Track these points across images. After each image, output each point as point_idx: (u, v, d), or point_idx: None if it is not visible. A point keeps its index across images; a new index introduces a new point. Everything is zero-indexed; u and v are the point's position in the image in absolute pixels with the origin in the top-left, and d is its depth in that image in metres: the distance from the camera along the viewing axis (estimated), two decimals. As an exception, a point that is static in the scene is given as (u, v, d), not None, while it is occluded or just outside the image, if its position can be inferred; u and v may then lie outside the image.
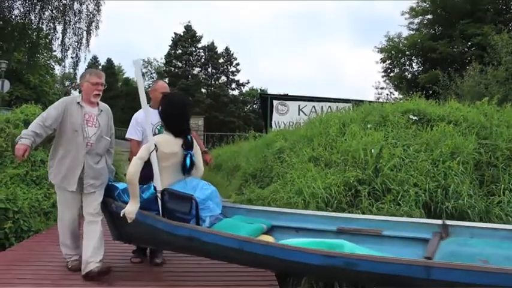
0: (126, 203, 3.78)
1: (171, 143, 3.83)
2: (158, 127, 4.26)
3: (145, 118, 4.02)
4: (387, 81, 27.35)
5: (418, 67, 26.04)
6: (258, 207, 4.44)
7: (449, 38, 22.98)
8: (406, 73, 26.45)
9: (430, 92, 18.44)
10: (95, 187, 4.01)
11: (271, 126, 18.58)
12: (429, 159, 5.34)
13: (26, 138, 3.66)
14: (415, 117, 6.93)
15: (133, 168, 3.64)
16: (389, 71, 27.22)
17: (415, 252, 3.44)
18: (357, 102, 10.36)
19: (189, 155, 3.90)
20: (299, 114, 18.39)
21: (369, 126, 6.58)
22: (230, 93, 44.79)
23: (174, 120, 3.91)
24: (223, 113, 41.02)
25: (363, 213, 4.36)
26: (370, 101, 10.53)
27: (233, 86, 45.31)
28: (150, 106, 4.28)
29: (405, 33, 26.15)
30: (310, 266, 3.03)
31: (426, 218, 4.48)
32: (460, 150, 5.56)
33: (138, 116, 4.38)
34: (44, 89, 30.56)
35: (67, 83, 46.96)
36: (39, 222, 5.88)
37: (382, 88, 27.14)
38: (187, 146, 3.92)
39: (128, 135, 4.40)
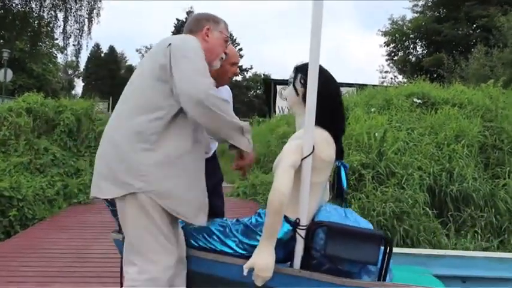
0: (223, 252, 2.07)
1: (330, 145, 2.16)
2: None
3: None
4: (391, 64, 27.17)
5: (423, 50, 25.82)
6: (403, 250, 3.23)
7: (454, 20, 22.72)
8: (410, 56, 26.26)
9: (435, 75, 18.31)
10: None
11: (274, 111, 18.51)
12: (433, 143, 5.31)
13: None
14: (419, 101, 6.87)
15: (286, 184, 1.89)
16: (393, 54, 27.00)
17: None
18: (361, 86, 10.29)
19: (343, 168, 2.34)
20: (303, 99, 18.15)
21: (372, 110, 6.52)
22: (233, 79, 44.60)
23: (336, 109, 2.26)
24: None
25: (367, 197, 4.34)
26: (374, 85, 10.45)
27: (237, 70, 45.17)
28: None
29: (409, 15, 25.88)
30: None
31: (430, 201, 4.48)
32: (465, 133, 5.52)
33: None
34: (47, 78, 30.51)
35: (70, 71, 46.93)
36: (43, 210, 5.89)
37: (386, 72, 26.99)
38: (341, 154, 2.34)
39: None
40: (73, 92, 43.07)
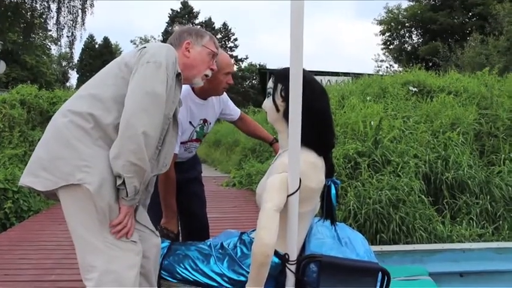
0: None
1: (318, 169, 1.94)
2: (198, 128, 2.66)
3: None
4: (387, 53, 27.14)
5: (418, 39, 25.80)
6: (399, 248, 3.18)
7: (449, 9, 22.69)
8: (406, 45, 26.24)
9: (430, 63, 18.31)
10: None
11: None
12: (429, 131, 5.31)
13: None
14: (415, 89, 6.88)
15: (271, 234, 1.72)
16: (388, 43, 26.98)
17: None
18: (357, 76, 10.26)
19: (334, 186, 2.03)
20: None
21: (368, 98, 6.51)
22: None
23: (325, 125, 1.99)
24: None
25: (362, 185, 4.34)
26: (369, 74, 10.43)
27: (232, 62, 44.99)
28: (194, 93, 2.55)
29: (405, 4, 25.92)
30: None
31: (426, 188, 4.48)
32: (460, 120, 5.53)
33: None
34: (41, 70, 30.31)
35: (64, 63, 46.60)
36: (39, 201, 5.87)
37: (381, 61, 26.97)
38: (330, 169, 2.05)
39: None
40: (67, 84, 42.88)
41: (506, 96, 6.28)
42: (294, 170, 1.75)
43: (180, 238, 2.73)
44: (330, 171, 2.02)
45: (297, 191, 1.77)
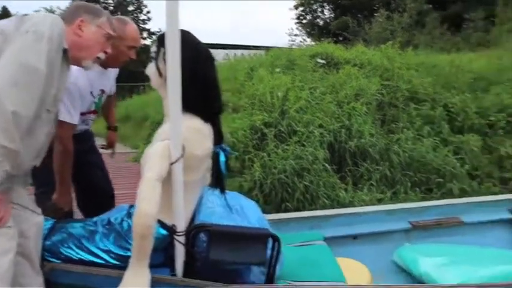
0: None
1: (204, 136, 1.86)
2: (97, 99, 2.48)
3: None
4: (300, 28, 27.53)
5: (330, 14, 26.39)
6: (296, 215, 3.18)
7: (359, -15, 23.37)
8: (318, 20, 26.75)
9: (341, 38, 18.81)
10: None
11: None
12: (334, 101, 5.42)
13: None
14: (323, 61, 6.98)
15: (153, 204, 1.63)
16: (302, 18, 27.34)
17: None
18: (268, 49, 10.26)
19: (223, 153, 2.01)
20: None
21: (277, 70, 6.52)
22: (141, 43, 42.99)
23: (209, 88, 1.91)
24: (133, 63, 39.38)
25: (268, 155, 4.34)
26: (279, 48, 10.48)
27: (144, 35, 43.42)
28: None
29: (317, -21, 26.23)
30: None
31: (330, 157, 4.59)
32: (364, 91, 5.70)
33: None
34: None
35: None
36: None
37: (295, 35, 27.29)
38: (218, 135, 1.99)
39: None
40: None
41: (406, 69, 6.57)
42: (175, 137, 1.67)
43: (81, 214, 2.61)
44: (218, 138, 1.95)
45: (180, 158, 1.68)
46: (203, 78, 1.85)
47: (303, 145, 4.46)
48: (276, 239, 1.91)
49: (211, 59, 1.93)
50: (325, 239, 2.72)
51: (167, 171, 1.68)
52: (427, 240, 3.16)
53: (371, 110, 5.46)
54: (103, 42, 1.85)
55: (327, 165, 4.35)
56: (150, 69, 1.87)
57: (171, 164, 1.68)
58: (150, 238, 1.63)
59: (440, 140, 5.38)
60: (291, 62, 6.82)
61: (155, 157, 1.69)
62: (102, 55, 1.88)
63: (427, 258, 2.74)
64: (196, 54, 1.82)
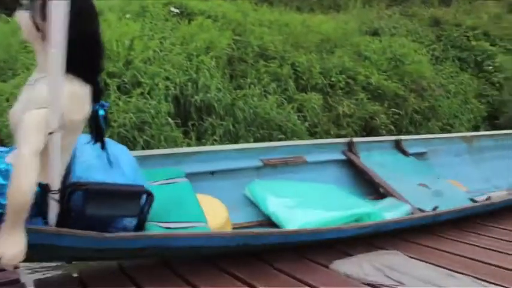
0: None
1: (84, 100, 1.81)
2: None
3: None
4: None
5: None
6: (160, 152, 3.36)
7: None
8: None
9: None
10: None
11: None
12: (184, 53, 5.29)
13: None
14: (177, 10, 6.74)
15: (29, 180, 1.57)
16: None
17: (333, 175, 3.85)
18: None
19: (101, 110, 1.96)
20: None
21: (127, 16, 6.14)
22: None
23: (93, 48, 1.83)
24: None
25: (110, 108, 4.11)
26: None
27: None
28: None
29: None
30: None
31: (175, 111, 4.52)
32: (215, 45, 5.65)
33: None
34: None
35: None
36: None
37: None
38: (98, 94, 1.94)
39: None
40: None
41: (259, 25, 6.66)
42: (55, 107, 1.62)
43: None
44: (98, 96, 1.94)
45: (59, 128, 1.66)
46: (86, 36, 1.76)
47: (147, 98, 4.31)
48: (149, 195, 2.11)
49: (94, 14, 1.85)
50: (187, 175, 2.98)
51: (44, 144, 1.64)
52: (276, 176, 3.61)
53: (221, 64, 5.46)
54: None
55: (169, 119, 4.27)
56: (23, 20, 1.71)
57: (49, 134, 1.64)
58: (26, 210, 1.60)
59: (286, 98, 5.62)
60: (143, 8, 6.47)
61: (31, 129, 1.60)
62: None
63: (275, 198, 3.15)
64: (77, 12, 1.63)
